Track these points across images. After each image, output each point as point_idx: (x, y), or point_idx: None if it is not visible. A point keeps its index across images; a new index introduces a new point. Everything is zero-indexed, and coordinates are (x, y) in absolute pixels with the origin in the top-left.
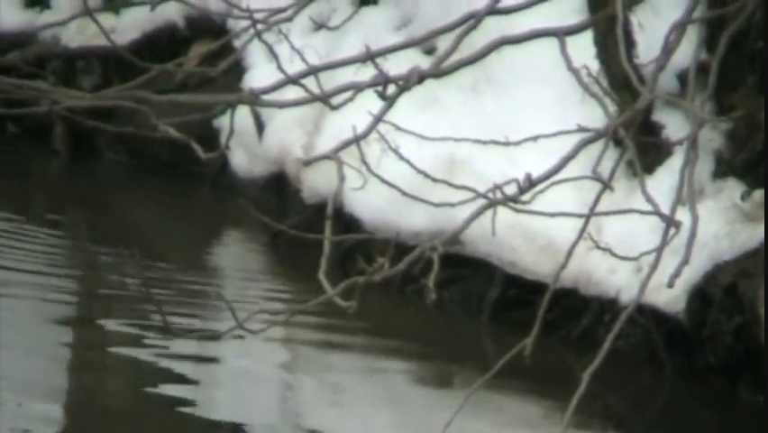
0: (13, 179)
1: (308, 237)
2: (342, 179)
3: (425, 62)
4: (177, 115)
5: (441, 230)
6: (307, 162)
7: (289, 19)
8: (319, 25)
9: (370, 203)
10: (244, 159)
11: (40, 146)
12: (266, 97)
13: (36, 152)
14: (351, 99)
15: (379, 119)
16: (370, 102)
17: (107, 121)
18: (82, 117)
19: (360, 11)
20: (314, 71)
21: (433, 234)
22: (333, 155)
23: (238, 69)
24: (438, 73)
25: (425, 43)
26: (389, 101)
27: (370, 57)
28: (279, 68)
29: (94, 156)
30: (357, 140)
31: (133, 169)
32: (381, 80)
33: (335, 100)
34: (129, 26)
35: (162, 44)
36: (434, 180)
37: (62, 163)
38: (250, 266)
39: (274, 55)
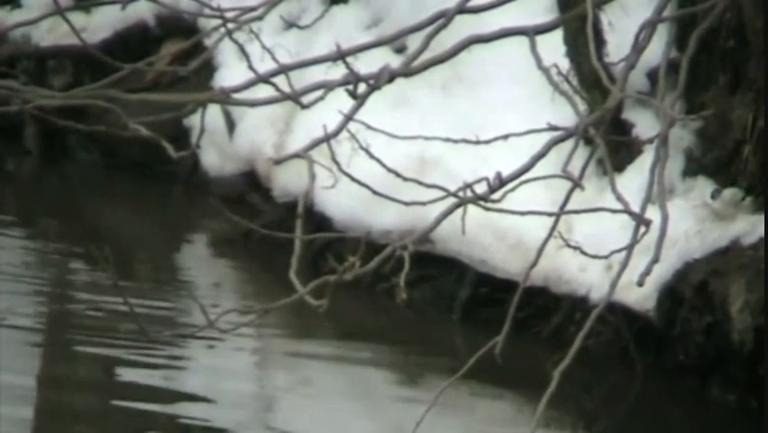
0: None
1: (279, 236)
2: (312, 177)
3: (395, 61)
4: (148, 113)
5: (411, 229)
6: (278, 161)
7: (260, 18)
8: (290, 24)
9: (341, 202)
10: (215, 158)
11: (11, 145)
12: (237, 96)
13: (7, 151)
14: (321, 98)
15: (349, 118)
16: (340, 101)
17: (79, 120)
18: (53, 116)
19: (330, 10)
20: (284, 70)
21: (403, 232)
22: (303, 154)
23: (209, 68)
24: (409, 72)
25: (395, 42)
26: (360, 100)
27: (340, 56)
28: (250, 66)
29: (65, 155)
30: (328, 139)
31: (105, 168)
32: (352, 79)
33: (306, 99)
34: (100, 25)
35: (133, 43)
36: (405, 179)
37: (33, 163)
38: (221, 265)
39: (245, 54)
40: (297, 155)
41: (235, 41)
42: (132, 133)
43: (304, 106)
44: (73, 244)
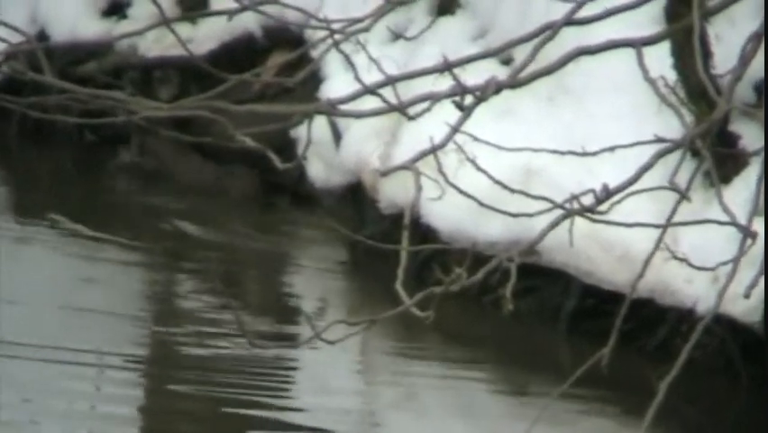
0: (89, 188)
1: (385, 247)
2: (419, 189)
3: (502, 72)
4: (254, 125)
5: (517, 240)
6: (384, 173)
7: (367, 29)
8: (397, 35)
9: (447, 213)
10: (321, 169)
11: (116, 155)
12: (343, 107)
13: (113, 160)
14: (428, 110)
15: (456, 129)
16: (447, 112)
17: (185, 131)
18: (159, 127)
19: (437, 21)
20: (391, 81)
21: (509, 243)
22: (410, 165)
23: (315, 80)
24: (515, 83)
25: (502, 54)
26: (467, 111)
27: (447, 67)
28: (357, 78)
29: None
30: (434, 150)
31: (214, 176)
32: (458, 91)
33: (412, 110)
34: (207, 36)
35: (240, 54)
36: (511, 191)
37: (137, 173)
38: (327, 276)
39: (351, 65)
40: (403, 167)
41: (342, 53)
42: (238, 144)
43: (410, 118)
44: (181, 253)
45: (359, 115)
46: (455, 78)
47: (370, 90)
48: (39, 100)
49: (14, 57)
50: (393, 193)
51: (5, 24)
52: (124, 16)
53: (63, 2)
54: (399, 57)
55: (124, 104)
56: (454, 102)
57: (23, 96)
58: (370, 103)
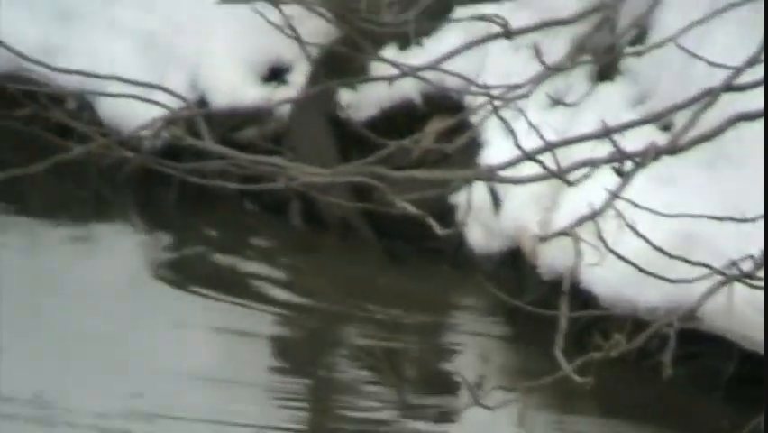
0: (250, 253)
1: (545, 313)
2: (578, 255)
3: (661, 138)
4: (414, 190)
5: (677, 305)
6: (544, 238)
7: (526, 95)
8: (556, 101)
9: (607, 279)
10: (481, 235)
11: (277, 222)
12: (503, 174)
13: (272, 227)
14: (587, 175)
15: (615, 195)
16: (606, 178)
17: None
18: (319, 193)
19: (597, 87)
20: (550, 147)
21: (669, 309)
22: (569, 231)
23: (474, 145)
24: (674, 149)
25: (661, 119)
26: (626, 177)
27: (606, 133)
28: (516, 144)
29: (329, 231)
30: (593, 216)
31: (369, 243)
32: (618, 156)
33: (572, 176)
34: (366, 102)
35: (399, 120)
36: (671, 257)
37: (299, 237)
38: (486, 341)
39: (511, 131)
40: (562, 232)
41: (501, 119)
42: (398, 209)
43: (570, 184)
44: (340, 314)
45: (518, 182)
46: (615, 143)
47: (530, 156)
48: (198, 166)
49: (174, 123)
50: (553, 259)
51: (166, 90)
52: (284, 82)
53: (223, 68)
54: (558, 123)
55: (285, 170)
56: (614, 168)
57: (183, 161)
58: (530, 169)
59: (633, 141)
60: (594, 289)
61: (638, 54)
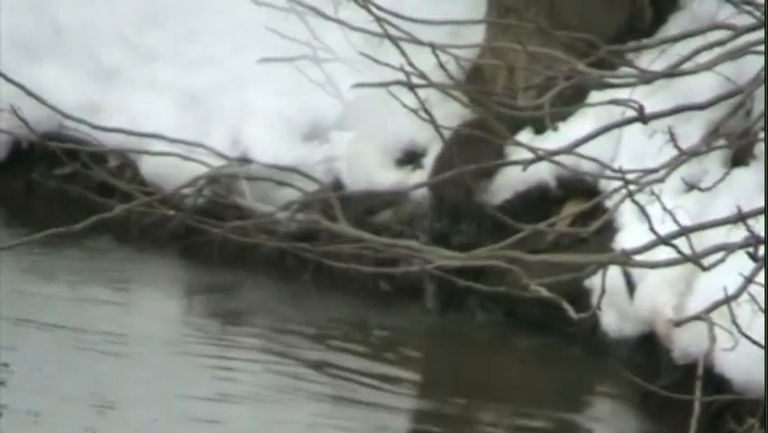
0: (385, 337)
1: (679, 398)
2: (713, 339)
3: None
4: (548, 274)
5: None
6: (679, 323)
7: (662, 180)
8: (691, 186)
9: (740, 363)
10: (615, 319)
11: (411, 304)
12: (638, 258)
13: (408, 310)
14: (722, 260)
15: (750, 280)
16: (741, 263)
17: (479, 280)
18: (454, 276)
19: (731, 172)
20: (685, 232)
21: None
22: (704, 316)
23: (610, 230)
24: None
25: None
26: (761, 262)
27: (741, 218)
28: (651, 228)
29: (465, 315)
30: (728, 301)
31: (505, 328)
32: (752, 242)
33: (706, 261)
34: (502, 186)
35: (534, 204)
36: None
37: (434, 322)
38: (621, 427)
39: (646, 216)
40: (697, 317)
41: (636, 203)
42: (532, 293)
43: (704, 269)
44: (471, 400)
45: (653, 266)
46: (749, 228)
47: (665, 241)
48: (334, 249)
49: (310, 206)
50: (687, 343)
51: (208, 148)
52: (419, 165)
53: (264, 126)
54: (693, 207)
55: (419, 253)
56: (748, 253)
57: (318, 244)
58: (665, 253)
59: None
60: (727, 373)
61: None
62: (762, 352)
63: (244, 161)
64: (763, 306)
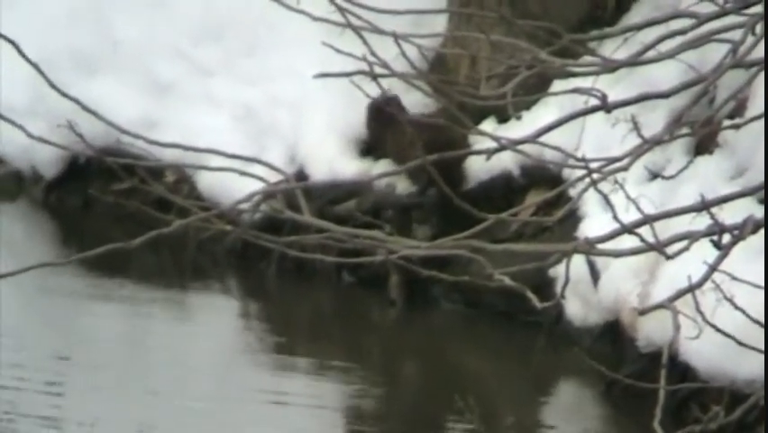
0: (348, 328)
1: (643, 386)
2: (677, 328)
3: (759, 211)
4: (512, 264)
5: None
6: (643, 312)
7: (625, 168)
8: (654, 175)
9: (705, 352)
10: (579, 308)
11: (375, 296)
12: (601, 247)
13: (371, 301)
14: (686, 249)
15: (714, 268)
16: (704, 251)
17: (443, 270)
18: (417, 266)
19: (695, 160)
20: (649, 221)
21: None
22: (668, 304)
23: (573, 219)
24: None
25: (759, 192)
26: (724, 250)
27: (705, 206)
28: (615, 217)
29: (429, 305)
30: (692, 289)
31: (468, 318)
32: (716, 230)
33: (670, 250)
34: (464, 175)
35: (497, 193)
36: None
37: (397, 312)
38: (585, 416)
39: (609, 204)
40: (661, 306)
41: (600, 192)
42: (496, 283)
43: (668, 257)
44: (434, 393)
45: (617, 255)
46: (713, 217)
47: (629, 230)
48: (298, 239)
49: (273, 196)
50: (651, 332)
51: (264, 163)
52: (383, 156)
53: (323, 142)
54: (657, 196)
55: (383, 243)
56: (712, 241)
57: (282, 235)
58: (628, 242)
59: (731, 214)
60: (692, 361)
61: (736, 127)
62: (727, 340)
63: (301, 176)
64: (763, 307)
